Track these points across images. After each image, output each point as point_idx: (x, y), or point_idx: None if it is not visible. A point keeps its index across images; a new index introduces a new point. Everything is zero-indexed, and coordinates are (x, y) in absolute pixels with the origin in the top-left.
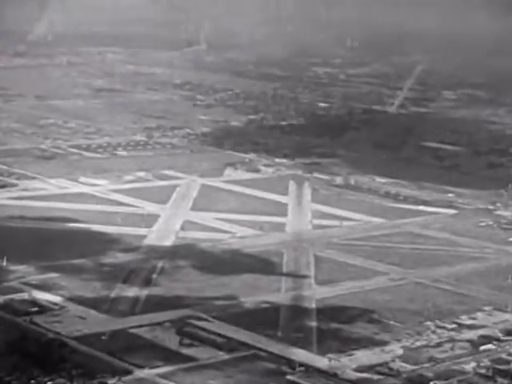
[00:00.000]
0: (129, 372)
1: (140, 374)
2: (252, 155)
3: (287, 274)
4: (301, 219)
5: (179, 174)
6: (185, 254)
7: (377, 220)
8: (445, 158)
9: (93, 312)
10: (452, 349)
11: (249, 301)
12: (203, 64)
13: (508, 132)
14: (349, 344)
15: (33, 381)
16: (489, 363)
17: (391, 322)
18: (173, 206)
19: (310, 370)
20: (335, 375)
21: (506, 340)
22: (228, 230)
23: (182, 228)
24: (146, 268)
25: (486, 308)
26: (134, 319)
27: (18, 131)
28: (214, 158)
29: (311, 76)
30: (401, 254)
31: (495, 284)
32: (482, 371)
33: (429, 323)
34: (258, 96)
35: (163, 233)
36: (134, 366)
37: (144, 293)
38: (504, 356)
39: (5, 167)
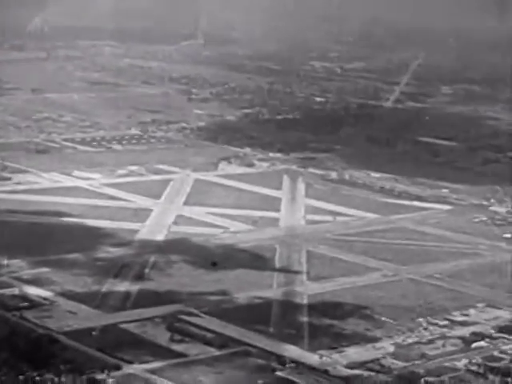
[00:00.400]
0: (118, 367)
1: (129, 369)
2: (247, 149)
3: (280, 270)
4: (294, 214)
5: (173, 169)
6: (177, 248)
7: (371, 215)
8: (440, 154)
9: (83, 307)
10: (444, 346)
11: (241, 296)
12: (200, 58)
13: (504, 128)
14: (340, 340)
15: (21, 376)
16: (480, 360)
17: (383, 319)
18: (166, 200)
19: (300, 366)
20: (326, 372)
21: (498, 337)
22: (221, 225)
23: (175, 222)
24: (138, 262)
25: (479, 305)
26: (125, 314)
27: (12, 125)
28: (208, 153)
29: (308, 70)
30: (394, 250)
31: (488, 281)
32: (474, 368)
33: (421, 320)
34: (254, 90)
35: (156, 227)
36: (123, 361)
37: (135, 288)
38: (496, 353)
39: None
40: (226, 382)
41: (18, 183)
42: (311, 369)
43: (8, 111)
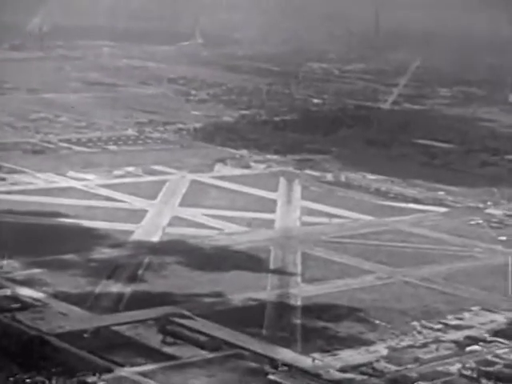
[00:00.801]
0: (109, 370)
1: (120, 372)
2: (243, 151)
3: (274, 272)
4: (290, 216)
5: (169, 170)
6: (172, 250)
7: (366, 217)
8: (437, 156)
9: (76, 309)
10: (437, 349)
11: (235, 298)
12: (198, 58)
13: (502, 130)
14: (334, 343)
15: (11, 378)
16: (474, 365)
17: (377, 322)
18: (161, 201)
19: (292, 369)
20: (318, 375)
21: (493, 341)
22: (216, 227)
23: (170, 224)
24: (132, 264)
25: (474, 308)
26: (117, 316)
27: (9, 125)
28: (204, 154)
29: (306, 71)
30: (389, 253)
31: (483, 284)
32: (467, 373)
33: (415, 323)
34: (252, 91)
35: (151, 228)
36: (114, 364)
37: (129, 289)
38: (490, 358)
39: None
40: None
41: (13, 183)
42: (304, 372)
43: (5, 111)
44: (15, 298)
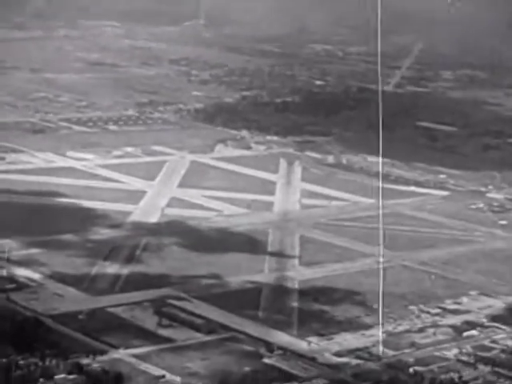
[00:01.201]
0: (104, 352)
1: (115, 354)
2: (244, 132)
3: (272, 254)
4: (289, 198)
5: (169, 150)
6: (170, 231)
7: (366, 200)
8: (439, 139)
9: (71, 290)
10: (434, 334)
11: (232, 281)
12: (201, 39)
13: (505, 114)
14: (330, 327)
15: (4, 359)
16: (471, 350)
17: (375, 306)
18: (160, 182)
19: (288, 353)
20: (313, 359)
21: (490, 326)
22: (215, 208)
23: (169, 205)
24: (129, 245)
25: (472, 292)
26: (113, 298)
27: (9, 104)
28: (205, 135)
29: (309, 53)
30: (389, 236)
31: (483, 268)
32: (464, 358)
33: (413, 307)
34: (254, 73)
35: (149, 209)
36: (109, 346)
37: (125, 271)
38: (487, 343)
39: None
40: (213, 368)
41: (12, 163)
42: (299, 356)
43: (5, 90)
44: (10, 279)
